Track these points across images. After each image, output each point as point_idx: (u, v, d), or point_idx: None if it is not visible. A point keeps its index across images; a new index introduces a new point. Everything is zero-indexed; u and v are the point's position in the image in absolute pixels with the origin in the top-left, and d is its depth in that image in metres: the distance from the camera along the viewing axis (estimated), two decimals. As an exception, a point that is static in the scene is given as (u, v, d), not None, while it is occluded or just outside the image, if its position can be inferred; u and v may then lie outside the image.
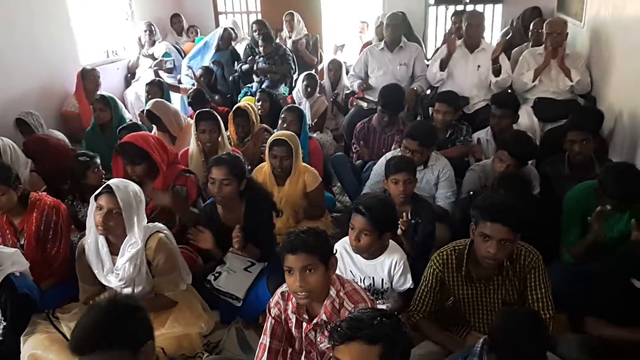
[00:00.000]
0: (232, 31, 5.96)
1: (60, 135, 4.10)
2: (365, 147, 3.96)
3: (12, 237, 2.64)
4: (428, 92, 4.74)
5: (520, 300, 2.16)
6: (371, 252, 2.31)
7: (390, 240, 2.40)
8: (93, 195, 2.32)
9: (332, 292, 1.78)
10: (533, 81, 4.19)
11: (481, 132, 3.79)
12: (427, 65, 4.71)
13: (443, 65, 4.35)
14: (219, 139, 3.55)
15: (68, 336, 2.29)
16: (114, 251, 2.37)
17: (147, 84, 4.60)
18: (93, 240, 2.36)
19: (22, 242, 2.64)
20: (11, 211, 2.61)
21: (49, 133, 3.99)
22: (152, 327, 1.57)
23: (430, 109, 4.71)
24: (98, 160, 3.15)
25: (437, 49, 5.45)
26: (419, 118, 4.66)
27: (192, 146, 3.58)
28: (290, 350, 1.89)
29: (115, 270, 2.34)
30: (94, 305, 1.56)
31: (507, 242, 1.98)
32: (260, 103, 4.39)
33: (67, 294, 2.62)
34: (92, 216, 2.31)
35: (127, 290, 2.34)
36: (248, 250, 2.72)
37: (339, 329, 1.35)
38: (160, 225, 2.50)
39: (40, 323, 2.35)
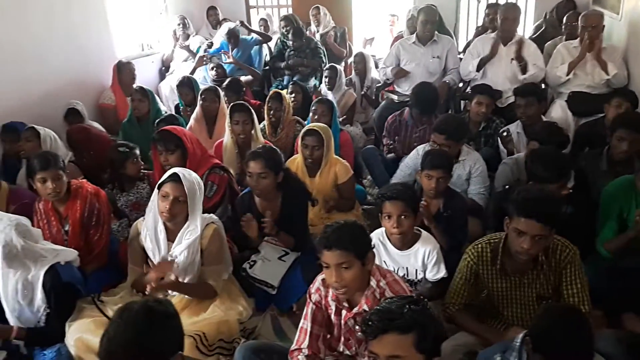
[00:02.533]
0: (236, 30, 5.72)
1: (98, 127, 4.22)
2: (399, 143, 3.94)
3: (57, 223, 2.74)
4: (460, 85, 4.71)
5: (556, 295, 2.16)
6: (405, 241, 2.34)
7: (423, 231, 2.42)
8: (158, 183, 2.41)
9: (373, 283, 1.81)
10: (567, 75, 4.12)
11: (511, 125, 3.76)
12: (460, 59, 4.68)
13: (480, 66, 4.31)
14: (252, 131, 3.61)
15: (113, 319, 2.39)
16: (170, 237, 2.45)
17: (177, 85, 4.62)
18: (152, 226, 2.45)
19: (66, 229, 2.74)
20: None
21: (89, 124, 4.13)
22: (182, 336, 1.52)
23: (462, 102, 4.70)
24: (137, 152, 3.24)
25: (469, 42, 5.40)
26: (450, 111, 4.64)
27: (227, 138, 3.66)
28: (329, 336, 1.92)
29: (170, 256, 2.42)
30: (126, 309, 1.41)
31: (541, 238, 1.97)
32: (293, 95, 4.43)
33: (109, 279, 2.72)
34: (155, 203, 2.40)
35: (180, 278, 2.40)
36: (281, 238, 2.78)
37: (370, 322, 1.37)
38: (214, 216, 2.59)
39: (85, 308, 2.43)
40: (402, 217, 2.27)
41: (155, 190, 2.41)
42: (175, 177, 2.36)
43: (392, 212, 2.28)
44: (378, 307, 1.44)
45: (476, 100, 3.78)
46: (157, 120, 3.91)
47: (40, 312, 2.30)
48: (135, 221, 2.60)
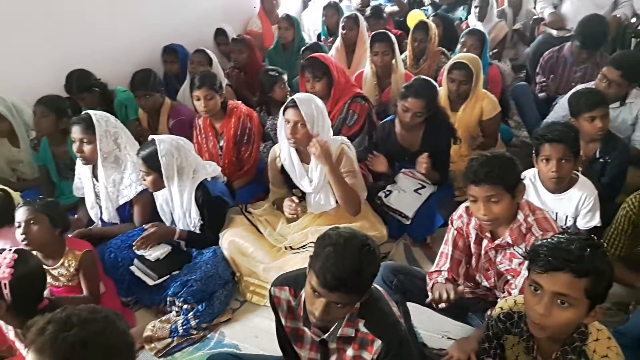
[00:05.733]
0: None
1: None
2: (555, 81, 3.62)
3: (213, 138, 3.00)
4: (633, 20, 4.15)
5: None
6: (561, 185, 2.20)
7: (581, 175, 2.26)
8: (281, 110, 2.52)
9: (520, 217, 1.74)
10: None
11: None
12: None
13: None
14: (392, 61, 3.55)
15: (259, 228, 2.63)
16: (304, 159, 2.57)
17: (324, 7, 4.66)
18: (286, 150, 2.59)
19: (221, 144, 2.99)
20: (214, 115, 2.95)
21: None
22: None
23: (633, 40, 4.16)
24: (285, 77, 3.36)
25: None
26: (617, 50, 4.13)
27: (367, 69, 3.64)
28: (467, 266, 1.91)
29: (309, 177, 2.55)
30: (347, 240, 1.34)
31: None
32: None
33: (256, 193, 2.97)
34: (282, 129, 2.52)
35: (318, 196, 2.55)
36: (428, 175, 2.75)
37: (542, 255, 1.28)
38: (345, 138, 2.64)
39: (235, 218, 2.68)
40: (563, 160, 2.12)
41: (280, 116, 2.51)
42: (293, 103, 2.44)
43: (552, 156, 2.13)
44: (555, 243, 1.30)
45: None
46: (302, 48, 3.99)
47: (195, 222, 2.55)
48: (278, 144, 2.75)
